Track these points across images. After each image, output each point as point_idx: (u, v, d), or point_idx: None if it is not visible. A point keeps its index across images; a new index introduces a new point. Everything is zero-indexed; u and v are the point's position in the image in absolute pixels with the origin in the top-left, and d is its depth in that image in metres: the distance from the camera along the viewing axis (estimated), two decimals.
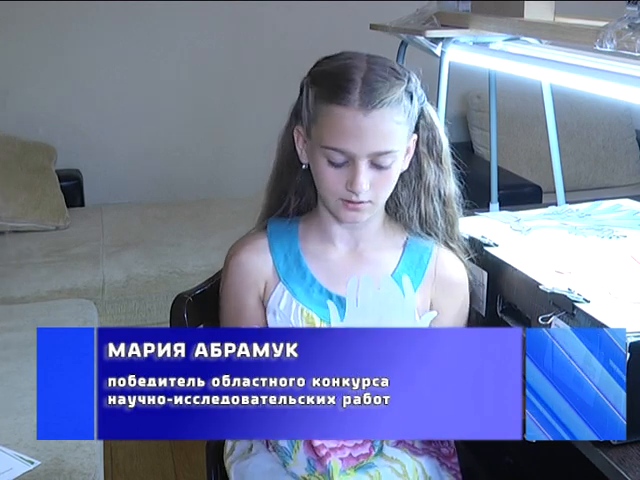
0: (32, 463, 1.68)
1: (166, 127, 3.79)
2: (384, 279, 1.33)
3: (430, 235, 1.43)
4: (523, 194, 3.29)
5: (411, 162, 1.39)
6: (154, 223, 3.33)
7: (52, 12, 3.54)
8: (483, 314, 1.49)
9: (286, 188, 1.44)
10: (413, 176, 1.41)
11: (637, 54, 1.34)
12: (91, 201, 3.65)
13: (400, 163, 1.35)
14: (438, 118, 1.42)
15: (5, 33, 3.54)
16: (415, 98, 1.33)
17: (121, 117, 3.74)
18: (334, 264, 1.42)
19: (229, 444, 1.52)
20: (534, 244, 1.55)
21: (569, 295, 1.28)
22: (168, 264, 2.91)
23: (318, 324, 1.38)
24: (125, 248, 3.06)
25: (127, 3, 3.59)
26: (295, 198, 1.44)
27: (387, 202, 1.40)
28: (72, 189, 3.53)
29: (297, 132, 1.37)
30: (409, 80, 1.33)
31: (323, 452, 1.38)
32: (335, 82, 1.29)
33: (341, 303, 1.39)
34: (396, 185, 1.38)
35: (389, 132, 1.29)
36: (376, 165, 1.31)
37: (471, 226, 1.57)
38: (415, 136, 1.37)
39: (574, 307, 1.25)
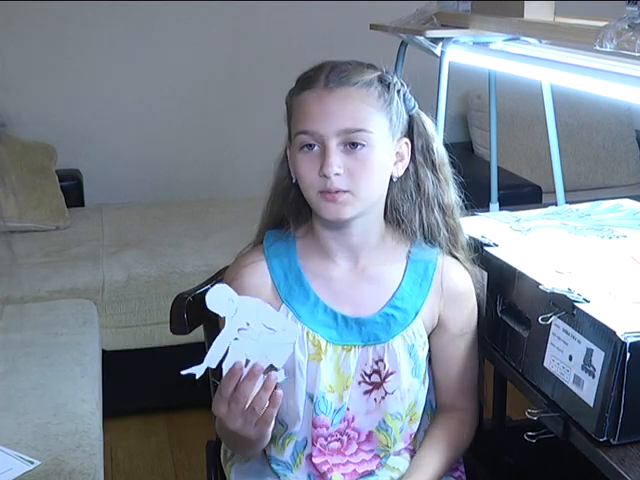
0: (32, 463, 1.68)
1: (166, 127, 3.79)
2: None
3: (434, 245, 1.40)
4: (523, 194, 3.28)
5: (409, 172, 1.36)
6: (154, 223, 3.32)
7: (52, 12, 3.54)
8: (483, 314, 1.49)
9: (282, 210, 1.40)
10: (413, 188, 1.37)
11: (637, 54, 1.34)
12: (91, 201, 3.64)
13: (381, 155, 1.30)
14: (436, 124, 1.39)
15: (5, 33, 3.53)
16: (394, 89, 1.31)
17: (121, 117, 3.74)
18: (337, 282, 1.37)
19: (229, 451, 1.50)
20: (534, 244, 1.55)
21: (569, 295, 1.28)
22: (168, 264, 2.90)
23: (324, 346, 1.35)
24: (125, 248, 3.05)
25: (128, 3, 3.58)
26: (293, 220, 1.39)
27: (387, 213, 1.37)
28: (72, 189, 3.52)
29: (287, 148, 1.35)
30: (387, 73, 1.32)
31: (325, 468, 1.37)
32: (305, 74, 1.31)
33: (346, 323, 1.36)
34: (396, 196, 1.35)
35: (358, 110, 1.27)
36: (349, 147, 1.27)
37: (471, 226, 1.57)
38: (407, 140, 1.35)
39: (574, 307, 1.25)
